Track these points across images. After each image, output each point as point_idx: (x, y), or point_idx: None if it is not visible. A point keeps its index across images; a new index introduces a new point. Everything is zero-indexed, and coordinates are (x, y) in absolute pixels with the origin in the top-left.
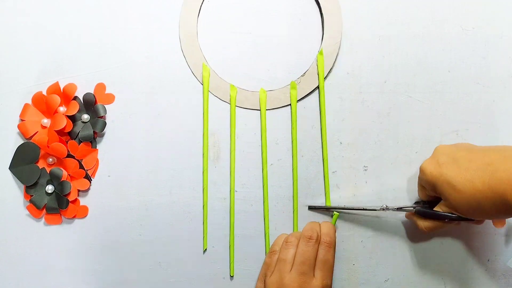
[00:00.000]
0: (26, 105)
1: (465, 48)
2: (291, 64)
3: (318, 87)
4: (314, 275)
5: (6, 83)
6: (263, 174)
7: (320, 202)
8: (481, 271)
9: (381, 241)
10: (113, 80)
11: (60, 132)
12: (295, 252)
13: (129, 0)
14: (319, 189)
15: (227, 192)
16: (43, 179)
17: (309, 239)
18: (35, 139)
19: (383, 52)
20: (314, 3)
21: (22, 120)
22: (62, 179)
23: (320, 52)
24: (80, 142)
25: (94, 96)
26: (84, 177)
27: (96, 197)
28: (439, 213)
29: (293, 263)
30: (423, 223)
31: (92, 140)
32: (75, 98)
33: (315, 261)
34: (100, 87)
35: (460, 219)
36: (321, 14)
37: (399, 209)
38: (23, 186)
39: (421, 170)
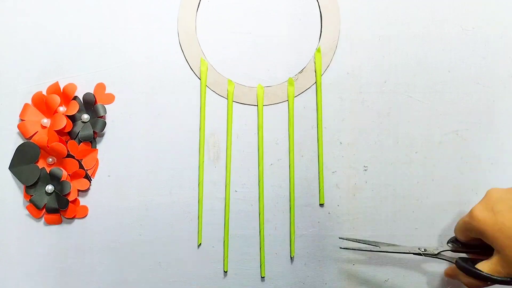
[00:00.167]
0: (26, 105)
1: (465, 48)
2: (290, 63)
3: (315, 84)
4: None
5: (6, 83)
6: (259, 172)
7: (319, 201)
8: None
9: (381, 241)
10: (113, 80)
11: (60, 132)
12: None
13: (129, 0)
14: (319, 189)
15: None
16: (43, 179)
17: None
18: (35, 139)
19: (383, 52)
20: (314, 3)
21: (22, 120)
22: (62, 179)
23: (318, 50)
24: (80, 142)
25: (94, 96)
26: (84, 177)
27: (96, 197)
28: (484, 274)
29: None
30: (466, 279)
31: (92, 140)
32: (75, 98)
33: None
34: (100, 87)
35: (506, 283)
36: (320, 12)
37: (438, 255)
38: (23, 186)
39: (472, 216)
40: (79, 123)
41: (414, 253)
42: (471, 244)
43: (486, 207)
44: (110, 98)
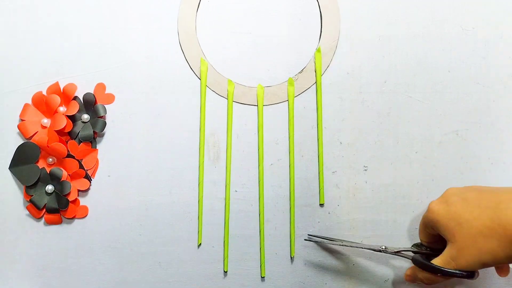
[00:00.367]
0: (26, 105)
1: (465, 48)
2: (290, 63)
3: (315, 84)
4: None
5: (6, 83)
6: (259, 172)
7: (319, 201)
8: (481, 271)
9: (381, 241)
10: (113, 80)
11: (60, 132)
12: None
13: (129, 0)
14: (318, 189)
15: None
16: (43, 179)
17: None
18: (35, 139)
19: (383, 52)
20: (314, 3)
21: (22, 120)
22: (62, 179)
23: (318, 50)
24: (80, 142)
25: (94, 96)
26: (84, 177)
27: (96, 197)
28: (437, 267)
29: None
30: (422, 275)
31: (92, 140)
32: (75, 98)
33: None
34: (100, 87)
35: (457, 275)
36: (320, 12)
37: (397, 252)
38: (23, 186)
39: (429, 209)
40: (79, 123)
41: (375, 250)
42: (433, 248)
43: (442, 201)
44: (110, 98)
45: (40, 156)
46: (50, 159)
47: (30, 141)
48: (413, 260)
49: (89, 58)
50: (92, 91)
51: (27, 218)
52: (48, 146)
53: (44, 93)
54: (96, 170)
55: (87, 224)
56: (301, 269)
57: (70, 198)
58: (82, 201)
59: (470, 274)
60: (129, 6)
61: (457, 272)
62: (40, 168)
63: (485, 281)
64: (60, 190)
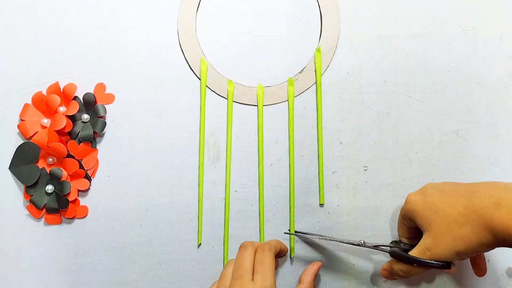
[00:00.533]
0: (26, 105)
1: (465, 48)
2: (290, 63)
3: (315, 84)
4: (253, 279)
5: (6, 83)
6: (259, 172)
7: (319, 201)
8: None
9: (381, 241)
10: (113, 80)
11: (60, 132)
12: None
13: (129, 0)
14: (318, 189)
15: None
16: (43, 179)
17: (244, 247)
18: (35, 139)
19: (383, 52)
20: (314, 3)
21: (22, 120)
22: (62, 179)
23: (318, 50)
24: (80, 142)
25: (94, 96)
26: (84, 177)
27: (96, 197)
28: (413, 258)
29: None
30: (398, 266)
31: (92, 140)
32: (75, 98)
33: (253, 265)
34: (100, 87)
35: (433, 266)
36: (320, 12)
37: (376, 246)
38: (23, 186)
39: (407, 200)
40: (79, 123)
41: (354, 244)
42: (411, 244)
43: (419, 192)
44: (110, 98)
45: (40, 156)
46: (50, 159)
47: (30, 141)
48: (391, 253)
49: (89, 58)
50: (92, 91)
51: (27, 218)
52: (48, 146)
53: (44, 93)
54: (96, 170)
55: (87, 224)
56: (301, 269)
57: (70, 198)
58: (82, 201)
59: (446, 264)
60: (129, 6)
61: (433, 262)
62: (40, 168)
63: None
64: (60, 190)
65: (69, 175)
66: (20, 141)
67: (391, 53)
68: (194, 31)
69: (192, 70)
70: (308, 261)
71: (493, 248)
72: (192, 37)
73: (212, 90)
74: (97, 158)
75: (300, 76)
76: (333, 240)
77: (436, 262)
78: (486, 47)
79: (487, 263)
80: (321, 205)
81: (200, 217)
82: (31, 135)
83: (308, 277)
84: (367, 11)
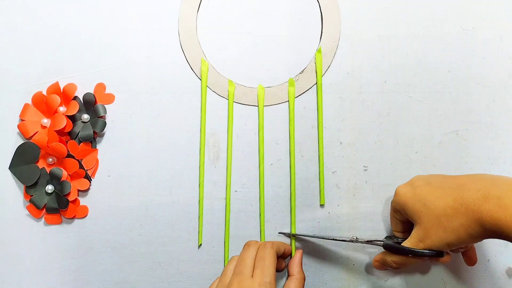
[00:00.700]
0: (26, 105)
1: (465, 48)
2: (291, 64)
3: (316, 84)
4: (253, 274)
5: (6, 83)
6: (259, 173)
7: (319, 202)
8: (481, 271)
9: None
10: (113, 80)
11: (60, 132)
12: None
13: (129, 0)
14: (319, 189)
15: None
16: (43, 179)
17: (247, 245)
18: (35, 139)
19: (383, 52)
20: (314, 3)
21: (22, 120)
22: (62, 179)
23: (319, 50)
24: (80, 142)
25: (94, 96)
26: (84, 177)
27: (96, 197)
28: (406, 248)
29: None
30: (390, 258)
31: (92, 140)
32: (75, 98)
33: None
34: (100, 87)
35: (426, 255)
36: (321, 12)
37: (369, 242)
38: (23, 186)
39: (396, 192)
40: (79, 123)
41: (347, 241)
42: (404, 238)
43: (408, 184)
44: (110, 98)
45: (40, 156)
46: (50, 159)
47: (30, 141)
48: (384, 246)
49: (89, 58)
50: (92, 91)
51: (27, 218)
52: (48, 146)
53: (44, 93)
54: (96, 170)
55: (87, 224)
56: None
57: (70, 198)
58: (82, 201)
59: (439, 253)
60: (129, 6)
61: (427, 252)
62: (40, 168)
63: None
64: (60, 190)
65: (69, 175)
66: (20, 141)
67: (391, 53)
68: (195, 32)
69: (193, 70)
70: (307, 261)
71: (482, 239)
72: (193, 37)
73: (213, 91)
74: (97, 158)
75: (300, 77)
76: (325, 238)
77: (430, 252)
78: (486, 47)
79: (487, 263)
80: (321, 205)
81: (201, 217)
82: (31, 135)
83: (296, 268)
84: (367, 11)
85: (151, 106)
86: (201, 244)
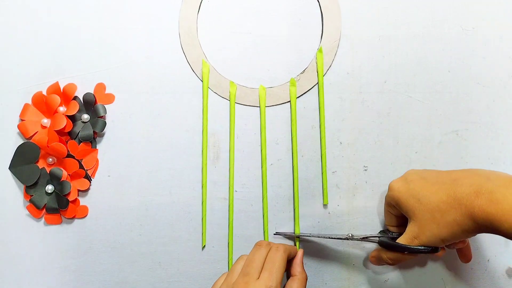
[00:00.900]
0: (26, 105)
1: (465, 48)
2: (291, 63)
3: (317, 84)
4: (260, 276)
5: (6, 83)
6: (262, 173)
7: (320, 201)
8: (481, 271)
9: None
10: (113, 80)
11: (60, 132)
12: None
13: (129, 0)
14: (319, 189)
15: (227, 191)
16: (43, 179)
17: (258, 246)
18: (35, 139)
19: (383, 52)
20: (315, 3)
21: (22, 120)
22: (62, 179)
23: (320, 50)
24: (80, 142)
25: (94, 96)
26: (84, 177)
27: (96, 197)
28: (401, 245)
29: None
30: (386, 255)
31: (92, 140)
32: (75, 98)
33: (263, 264)
34: (100, 87)
35: (421, 251)
36: (321, 12)
37: (364, 238)
38: (23, 186)
39: (390, 187)
40: (79, 123)
41: (342, 238)
42: (399, 233)
43: (401, 179)
44: (110, 98)
45: (40, 156)
46: (50, 159)
47: (30, 141)
48: (380, 243)
49: (89, 58)
50: (92, 91)
51: (27, 218)
52: (48, 146)
53: (44, 93)
54: (96, 170)
55: (87, 224)
56: None
57: (70, 198)
58: (82, 201)
59: (434, 249)
60: (129, 6)
61: (422, 248)
62: (40, 168)
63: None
64: (60, 190)
65: (69, 175)
66: (20, 141)
67: (391, 53)
68: (195, 32)
69: (193, 71)
70: (308, 261)
71: (476, 234)
72: (194, 38)
73: (214, 92)
74: (97, 158)
75: (302, 77)
76: (321, 237)
77: (425, 248)
78: (486, 47)
79: (487, 263)
80: (325, 205)
81: (204, 218)
82: (31, 135)
83: (297, 268)
84: (367, 11)
85: (151, 106)
86: (204, 245)
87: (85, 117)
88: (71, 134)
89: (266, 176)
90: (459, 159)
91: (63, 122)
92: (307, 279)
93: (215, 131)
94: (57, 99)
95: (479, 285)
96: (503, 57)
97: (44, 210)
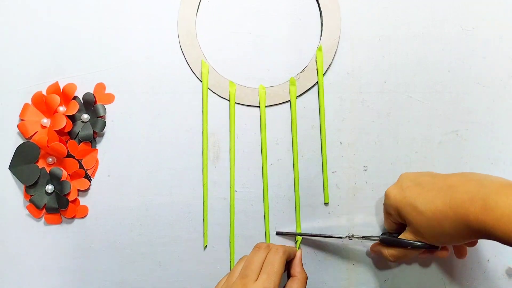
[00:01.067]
0: (26, 105)
1: (465, 48)
2: (291, 63)
3: (317, 83)
4: (258, 278)
5: (6, 83)
6: (263, 173)
7: (319, 201)
8: (481, 271)
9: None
10: (113, 80)
11: (60, 132)
12: None
13: (129, 0)
14: (319, 188)
15: (227, 191)
16: (43, 179)
17: (258, 248)
18: (35, 139)
19: (383, 52)
20: (314, 2)
21: (22, 120)
22: (62, 179)
23: (319, 48)
24: (80, 142)
25: (94, 96)
26: (84, 177)
27: (96, 197)
28: (403, 240)
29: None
30: (388, 251)
31: (92, 140)
32: (75, 98)
33: (262, 266)
34: (100, 87)
35: (423, 247)
36: (320, 12)
37: (365, 237)
38: (23, 186)
39: (386, 195)
40: (79, 123)
41: (343, 237)
42: (398, 233)
43: (397, 186)
44: (110, 98)
45: (40, 156)
46: (50, 159)
47: (30, 141)
48: (381, 240)
49: (89, 58)
50: (92, 91)
51: (27, 218)
52: (48, 146)
53: (44, 93)
54: (96, 170)
55: (87, 224)
56: None
57: (70, 198)
58: (82, 201)
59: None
60: (129, 6)
61: (424, 243)
62: (40, 168)
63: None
64: (60, 190)
65: (69, 175)
66: (20, 141)
67: (391, 53)
68: (194, 33)
69: (192, 71)
70: (308, 261)
71: (473, 239)
72: (193, 38)
73: (214, 92)
74: (97, 158)
75: (301, 76)
76: (322, 236)
77: (427, 244)
78: (486, 47)
79: (487, 263)
80: (325, 205)
81: (206, 218)
82: (31, 135)
83: (297, 268)
84: (367, 11)
85: (151, 106)
86: (206, 245)
87: (85, 117)
88: (71, 134)
89: (266, 176)
90: (459, 159)
91: (63, 122)
92: (307, 279)
93: (215, 131)
94: (57, 99)
95: (479, 285)
96: (503, 57)
97: (44, 210)
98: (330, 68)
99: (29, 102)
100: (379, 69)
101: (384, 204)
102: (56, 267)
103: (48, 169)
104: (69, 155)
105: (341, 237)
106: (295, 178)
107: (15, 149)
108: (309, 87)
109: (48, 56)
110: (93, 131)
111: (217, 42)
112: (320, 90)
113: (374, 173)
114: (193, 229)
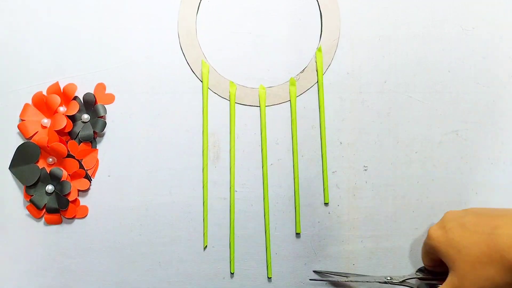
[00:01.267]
0: (26, 105)
1: (465, 48)
2: (291, 63)
3: (317, 83)
4: None
5: (6, 83)
6: (263, 173)
7: (319, 201)
8: None
9: (381, 241)
10: (113, 80)
11: (60, 132)
12: None
13: (129, 0)
14: (319, 188)
15: (227, 191)
16: (43, 179)
17: None
18: (35, 139)
19: (383, 52)
20: (314, 2)
21: (22, 120)
22: (62, 179)
23: (319, 49)
24: (80, 142)
25: (94, 96)
26: (84, 177)
27: (96, 197)
28: None
29: None
30: None
31: (92, 140)
32: (75, 98)
33: None
34: (100, 87)
35: None
36: (320, 12)
37: (402, 282)
38: (23, 186)
39: (428, 235)
40: (79, 123)
41: (380, 282)
42: (437, 272)
43: (440, 226)
44: (110, 98)
45: (40, 156)
46: (50, 159)
47: (30, 141)
48: (418, 287)
49: (89, 58)
50: (92, 91)
51: (27, 218)
52: (48, 146)
53: (44, 93)
54: (96, 170)
55: (87, 224)
56: (301, 269)
57: (70, 198)
58: (82, 201)
59: None
60: (129, 6)
61: None
62: (40, 168)
63: None
64: (60, 190)
65: (69, 175)
66: (20, 141)
67: (391, 53)
68: (194, 33)
69: (193, 71)
70: (308, 260)
71: None
72: (193, 38)
73: (214, 92)
74: (97, 158)
75: (301, 76)
76: (359, 281)
77: None
78: (486, 47)
79: None
80: (326, 204)
81: (206, 218)
82: (31, 135)
83: None
84: (367, 11)
85: (151, 106)
86: (206, 245)
87: (85, 117)
88: (71, 134)
89: (266, 176)
90: (459, 159)
91: (63, 122)
92: None
93: (215, 131)
94: (57, 99)
95: None
96: (503, 57)
97: (44, 210)
98: (330, 68)
99: (30, 102)
100: (379, 69)
101: (426, 245)
102: (56, 267)
103: (48, 169)
104: (69, 155)
105: (379, 282)
106: (295, 178)
107: (15, 149)
108: (309, 87)
109: (48, 56)
110: (94, 131)
111: (217, 42)
112: (320, 90)
113: (374, 173)
114: (193, 229)
